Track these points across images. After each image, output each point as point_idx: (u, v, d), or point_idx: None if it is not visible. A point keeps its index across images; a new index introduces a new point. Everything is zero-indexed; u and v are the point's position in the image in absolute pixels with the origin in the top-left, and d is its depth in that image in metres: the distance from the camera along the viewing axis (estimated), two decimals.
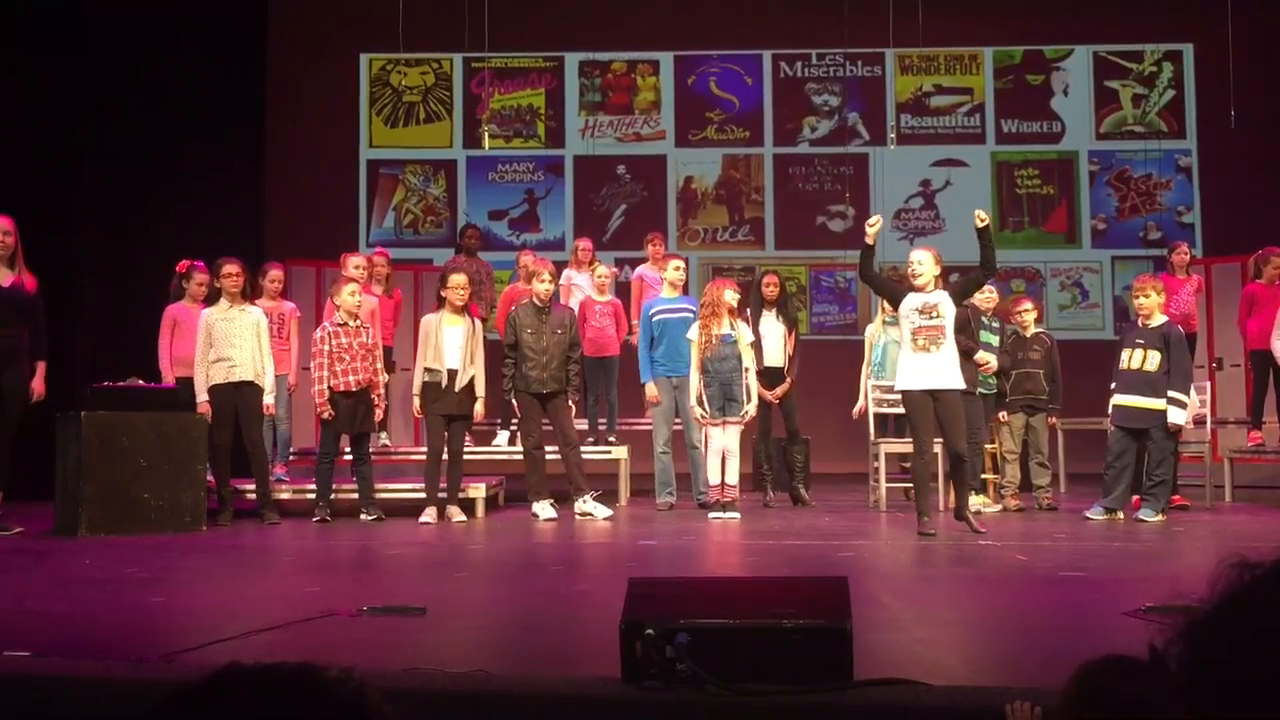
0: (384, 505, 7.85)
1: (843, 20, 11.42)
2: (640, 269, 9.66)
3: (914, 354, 6.52)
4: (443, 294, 7.69)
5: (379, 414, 7.82)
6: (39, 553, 6.02)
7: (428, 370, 7.50)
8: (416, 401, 7.59)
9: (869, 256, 6.72)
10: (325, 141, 12.52)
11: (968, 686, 2.83)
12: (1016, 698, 2.14)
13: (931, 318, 6.50)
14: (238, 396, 7.41)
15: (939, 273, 6.63)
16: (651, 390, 8.14)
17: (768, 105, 12.88)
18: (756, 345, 7.95)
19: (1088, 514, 7.24)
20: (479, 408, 7.63)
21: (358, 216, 12.71)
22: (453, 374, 7.47)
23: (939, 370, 6.48)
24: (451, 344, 7.50)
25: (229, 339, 7.39)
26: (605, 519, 7.48)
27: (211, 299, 7.67)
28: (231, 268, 7.48)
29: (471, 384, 7.54)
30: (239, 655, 1.48)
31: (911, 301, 6.58)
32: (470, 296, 8.11)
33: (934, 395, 6.48)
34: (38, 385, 6.98)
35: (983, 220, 6.56)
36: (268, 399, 7.53)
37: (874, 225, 6.65)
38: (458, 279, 7.75)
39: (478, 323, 7.79)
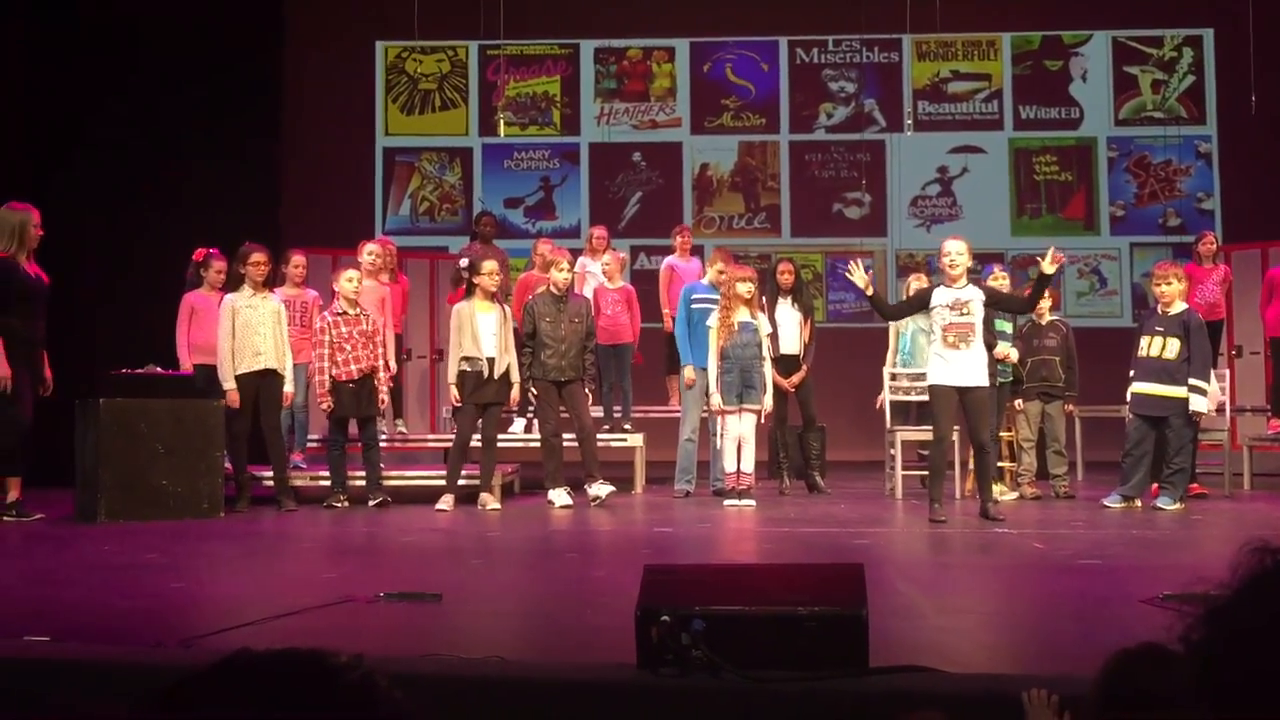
0: (399, 492, 7.86)
1: (859, 6, 11.37)
2: (669, 259, 9.64)
3: (944, 349, 6.54)
4: (474, 281, 7.64)
5: (384, 399, 7.81)
6: (59, 539, 6.06)
7: (465, 359, 7.45)
8: (454, 391, 7.52)
9: (879, 302, 6.94)
10: (341, 129, 12.53)
11: (985, 674, 2.83)
12: (1034, 685, 2.13)
13: (962, 314, 6.50)
14: (260, 384, 7.42)
15: (970, 264, 6.64)
16: (689, 374, 8.09)
17: (784, 92, 12.83)
18: (773, 335, 7.93)
19: (1105, 502, 7.21)
20: (515, 393, 7.61)
21: (374, 204, 12.72)
22: (491, 362, 7.46)
23: (967, 368, 6.50)
24: (486, 332, 7.47)
25: (254, 326, 7.37)
26: (607, 494, 7.47)
27: (228, 285, 7.69)
28: (260, 255, 7.47)
29: (507, 371, 7.53)
30: (256, 641, 1.48)
31: (943, 296, 6.58)
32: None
33: (960, 390, 6.50)
34: (49, 374, 7.01)
35: (1052, 267, 6.50)
36: (288, 387, 7.54)
37: (860, 275, 6.63)
38: (490, 265, 7.69)
39: (509, 309, 7.77)
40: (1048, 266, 6.49)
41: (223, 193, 10.04)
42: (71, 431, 6.94)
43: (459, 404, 7.55)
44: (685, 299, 8.29)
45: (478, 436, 7.57)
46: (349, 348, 7.52)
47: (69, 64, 9.84)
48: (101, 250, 9.72)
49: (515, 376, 7.58)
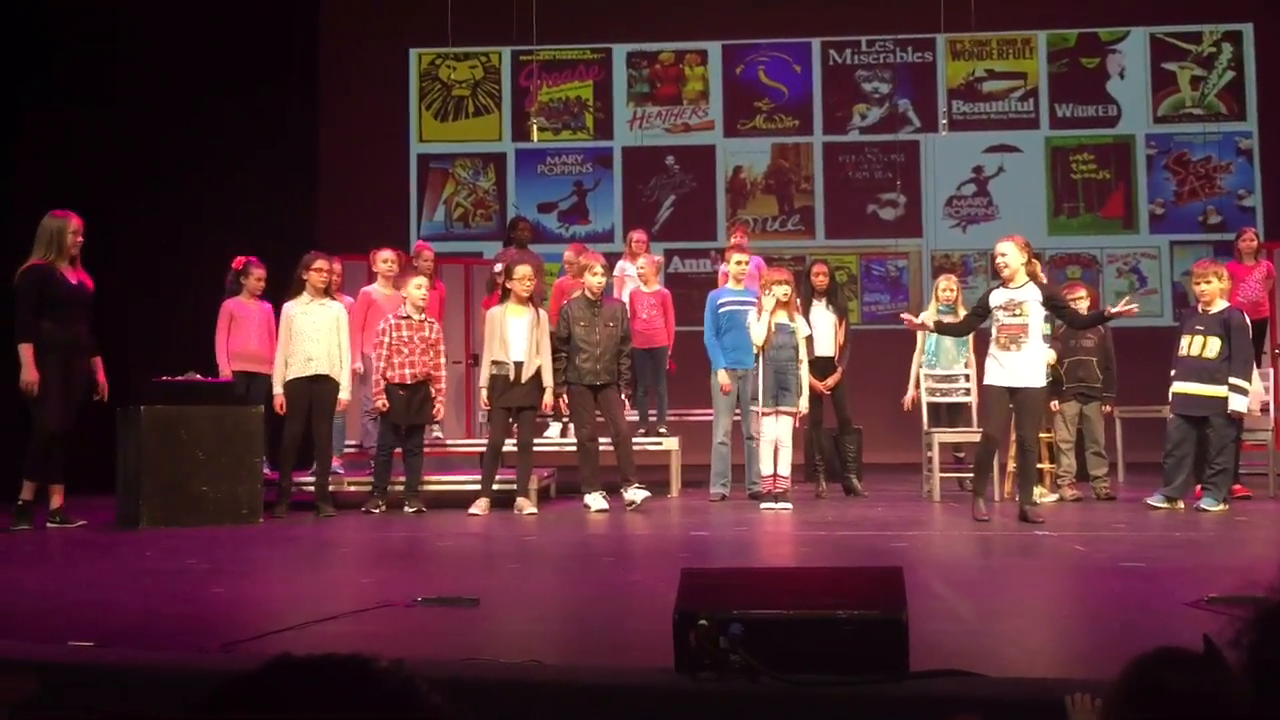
0: (435, 497, 7.90)
1: (893, 6, 11.30)
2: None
3: (997, 351, 6.55)
4: (508, 285, 7.70)
5: (438, 408, 7.84)
6: (101, 545, 6.13)
7: (495, 363, 7.52)
8: (484, 394, 7.61)
9: (945, 327, 7.31)
10: (376, 136, 12.62)
11: (1026, 678, 2.80)
12: (1077, 689, 2.11)
13: (1015, 315, 6.48)
14: (312, 389, 7.51)
15: (1026, 260, 6.58)
16: (723, 378, 8.07)
17: (817, 93, 12.79)
18: (808, 338, 7.90)
19: (1148, 502, 7.13)
20: (547, 397, 7.63)
21: (408, 210, 12.80)
22: (519, 366, 7.50)
23: (1020, 369, 6.49)
24: (517, 335, 7.53)
25: (308, 333, 7.49)
26: (643, 499, 7.46)
27: (269, 292, 7.77)
28: (323, 263, 7.62)
29: (538, 375, 7.56)
30: (297, 646, 1.50)
31: (998, 298, 6.61)
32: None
33: (1011, 390, 6.48)
34: (104, 379, 7.07)
35: (1118, 313, 6.56)
36: (343, 394, 7.61)
37: (919, 319, 7.18)
38: (524, 270, 7.76)
39: (543, 314, 7.79)
40: (1114, 310, 6.56)
41: (258, 200, 10.13)
42: (113, 438, 7.02)
43: (488, 407, 7.61)
44: (712, 305, 8.27)
45: (512, 440, 7.60)
46: (406, 351, 7.62)
47: (98, 65, 9.93)
48: (139, 257, 9.81)
49: (549, 380, 7.60)
